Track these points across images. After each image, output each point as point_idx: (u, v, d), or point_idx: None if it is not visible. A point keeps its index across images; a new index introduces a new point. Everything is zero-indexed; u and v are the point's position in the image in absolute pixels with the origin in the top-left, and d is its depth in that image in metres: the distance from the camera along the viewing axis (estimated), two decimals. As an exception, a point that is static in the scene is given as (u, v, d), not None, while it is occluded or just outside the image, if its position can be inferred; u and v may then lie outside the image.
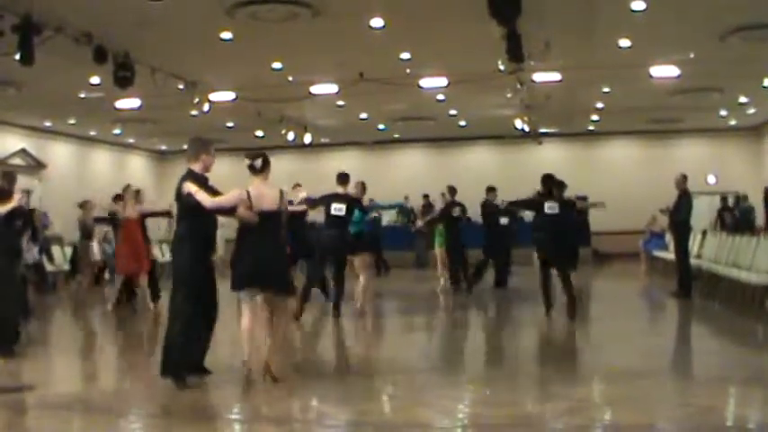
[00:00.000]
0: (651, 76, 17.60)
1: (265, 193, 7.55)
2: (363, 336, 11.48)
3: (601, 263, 24.57)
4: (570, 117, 24.36)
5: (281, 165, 29.54)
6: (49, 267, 17.95)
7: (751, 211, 23.86)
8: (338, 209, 11.80)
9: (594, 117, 24.77)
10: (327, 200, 11.91)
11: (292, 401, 7.21)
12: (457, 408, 6.80)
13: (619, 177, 27.17)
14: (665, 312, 13.60)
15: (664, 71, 17.29)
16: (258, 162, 7.70)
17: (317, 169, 28.25)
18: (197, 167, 7.65)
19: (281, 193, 7.71)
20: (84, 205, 16.28)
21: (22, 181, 17.72)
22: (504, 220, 16.60)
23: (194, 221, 7.43)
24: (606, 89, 19.90)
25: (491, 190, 16.88)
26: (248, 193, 7.46)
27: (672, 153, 27.23)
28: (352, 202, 12.03)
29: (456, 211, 16.07)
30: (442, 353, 9.90)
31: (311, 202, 11.90)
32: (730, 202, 24.37)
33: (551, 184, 12.41)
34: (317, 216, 13.65)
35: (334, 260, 12.16)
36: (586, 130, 27.58)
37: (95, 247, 17.73)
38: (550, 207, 12.16)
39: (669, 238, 18.46)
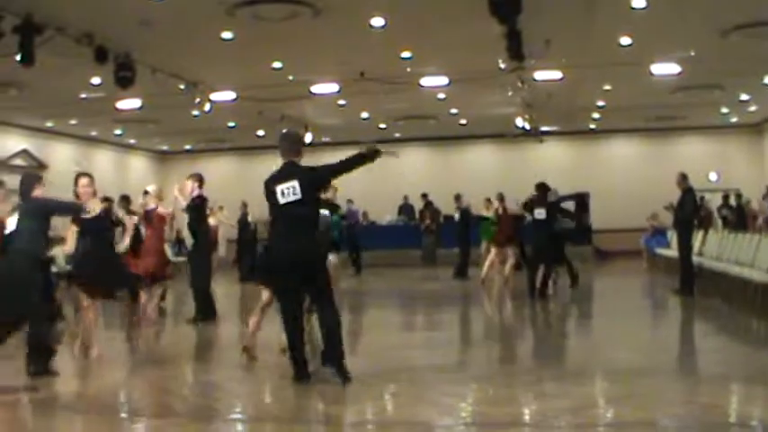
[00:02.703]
0: (652, 74, 17.59)
1: None
2: (365, 334, 11.50)
3: (602, 260, 24.55)
4: (571, 115, 24.35)
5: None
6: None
7: (746, 204, 23.82)
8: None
9: (596, 115, 24.77)
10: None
11: (293, 401, 7.21)
12: (459, 406, 6.79)
13: (620, 175, 27.18)
14: (667, 310, 13.59)
15: (665, 69, 17.28)
16: None
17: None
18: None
19: None
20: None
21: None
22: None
23: None
24: (607, 87, 19.90)
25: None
26: None
27: (673, 151, 27.22)
28: (334, 208, 11.91)
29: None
30: (445, 350, 9.89)
31: None
32: (732, 199, 24.35)
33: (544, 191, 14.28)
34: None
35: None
36: (588, 129, 27.57)
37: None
38: (539, 213, 14.08)
39: (671, 235, 18.46)
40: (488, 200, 18.92)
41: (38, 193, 8.05)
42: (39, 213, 7.86)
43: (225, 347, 10.59)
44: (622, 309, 13.54)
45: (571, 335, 11.28)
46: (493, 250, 17.52)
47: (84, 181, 9.19)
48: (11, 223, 7.93)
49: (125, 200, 13.43)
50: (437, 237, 24.46)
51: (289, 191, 7.49)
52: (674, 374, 7.88)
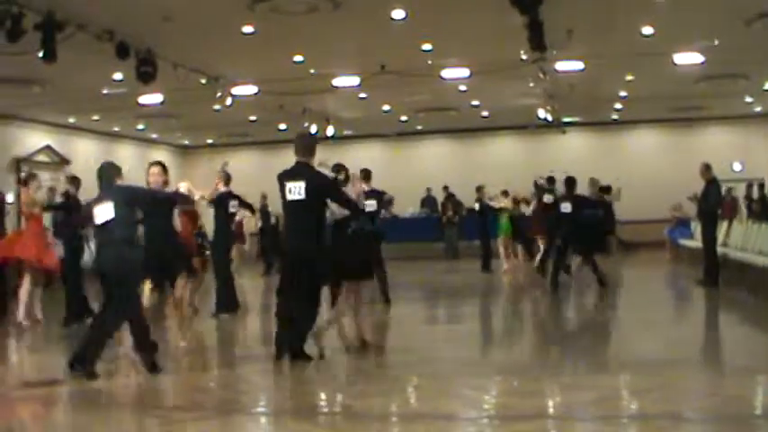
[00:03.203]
0: (675, 64, 17.45)
1: None
2: (388, 327, 11.52)
3: (626, 252, 24.43)
4: (594, 106, 24.19)
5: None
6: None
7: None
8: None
9: (618, 106, 24.60)
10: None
11: (317, 394, 7.25)
12: (482, 398, 6.80)
13: (643, 166, 26.96)
14: (692, 301, 13.54)
15: (688, 58, 17.12)
16: (342, 176, 8.86)
17: (340, 161, 28.27)
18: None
19: None
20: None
21: (46, 177, 17.92)
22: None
23: None
24: (629, 77, 19.75)
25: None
26: None
27: (697, 141, 27.00)
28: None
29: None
30: (468, 343, 9.90)
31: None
32: (755, 189, 24.15)
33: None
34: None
35: None
36: (610, 119, 27.39)
37: None
38: (564, 206, 14.37)
39: (695, 226, 18.35)
40: (505, 192, 18.96)
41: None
42: (137, 202, 8.14)
43: (244, 340, 10.67)
44: (646, 300, 13.48)
45: (595, 326, 11.24)
46: (541, 244, 17.47)
47: (154, 170, 9.20)
48: (100, 213, 7.81)
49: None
50: (459, 229, 24.44)
51: (295, 189, 8.02)
52: (698, 366, 7.86)
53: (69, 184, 12.62)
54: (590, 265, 14.56)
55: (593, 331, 10.83)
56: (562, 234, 14.71)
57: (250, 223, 20.15)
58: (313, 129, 23.19)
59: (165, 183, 9.22)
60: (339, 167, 8.94)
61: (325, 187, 8.26)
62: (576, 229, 14.43)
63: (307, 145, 8.40)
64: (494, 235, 19.19)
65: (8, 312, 12.53)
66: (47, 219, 12.82)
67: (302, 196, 8.01)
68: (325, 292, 8.80)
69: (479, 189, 19.84)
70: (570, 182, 14.86)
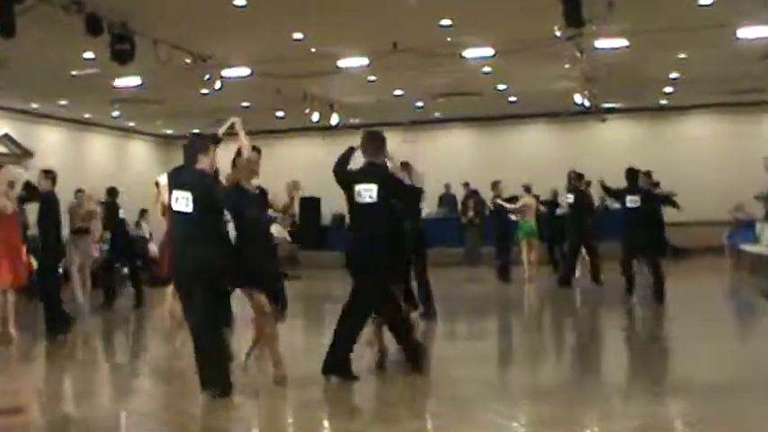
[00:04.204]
0: (737, 39, 17.36)
1: None
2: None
3: (678, 258, 24.33)
4: (639, 89, 24.15)
5: (305, 149, 29.94)
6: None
7: None
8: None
9: (668, 89, 24.54)
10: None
11: (323, 421, 7.26)
12: (510, 426, 6.79)
13: (697, 159, 26.88)
14: (756, 316, 13.49)
15: (753, 32, 17.01)
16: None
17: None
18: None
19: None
20: None
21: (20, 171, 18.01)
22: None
23: None
24: (682, 55, 19.66)
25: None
26: None
27: (761, 130, 26.92)
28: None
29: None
30: (493, 362, 9.90)
31: None
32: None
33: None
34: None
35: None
36: (658, 105, 27.35)
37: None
38: (632, 201, 14.35)
39: (761, 228, 18.30)
40: (527, 188, 18.97)
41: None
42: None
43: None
44: (703, 314, 13.43)
45: (642, 345, 11.24)
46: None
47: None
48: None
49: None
50: (481, 232, 24.20)
51: (366, 192, 8.56)
52: (761, 393, 7.81)
53: (43, 179, 12.61)
54: (654, 270, 14.52)
55: (639, 350, 10.81)
56: (624, 234, 14.72)
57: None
58: (315, 117, 23.26)
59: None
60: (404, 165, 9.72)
61: (399, 190, 8.97)
62: (643, 229, 14.35)
63: (377, 144, 8.89)
64: (513, 238, 19.26)
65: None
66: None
67: (374, 200, 8.52)
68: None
69: (495, 185, 19.82)
70: (633, 174, 14.83)
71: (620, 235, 14.81)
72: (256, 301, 8.28)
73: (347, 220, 9.50)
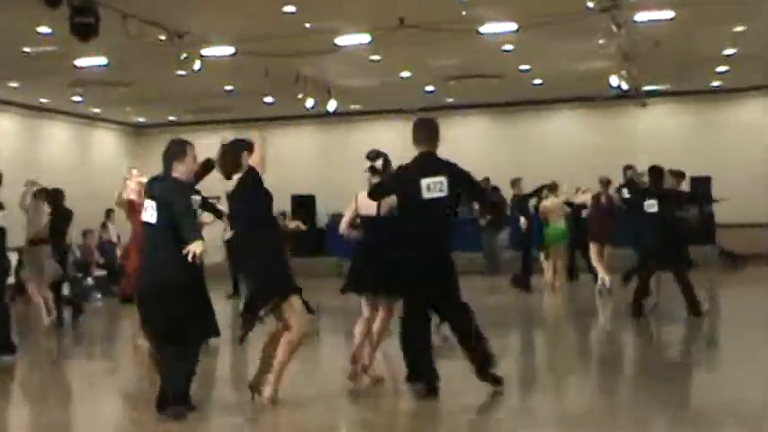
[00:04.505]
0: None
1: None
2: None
3: (730, 265, 24.36)
4: (686, 69, 24.14)
5: (298, 140, 30.02)
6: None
7: None
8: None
9: (721, 68, 24.50)
10: None
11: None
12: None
13: (755, 151, 26.87)
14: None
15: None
16: (379, 163, 9.52)
17: (345, 145, 28.37)
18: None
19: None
20: None
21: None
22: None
23: None
24: (739, 28, 19.59)
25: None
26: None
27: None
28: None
29: None
30: (518, 385, 9.96)
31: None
32: None
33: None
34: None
35: None
36: (709, 87, 27.33)
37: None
38: (649, 205, 14.39)
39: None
40: (552, 186, 19.11)
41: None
42: None
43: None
44: (756, 331, 13.46)
45: (687, 367, 11.30)
46: (593, 249, 18.06)
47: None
48: None
49: None
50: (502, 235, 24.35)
51: (436, 186, 8.87)
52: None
53: None
54: (682, 284, 14.57)
55: (683, 372, 10.87)
56: (646, 242, 14.79)
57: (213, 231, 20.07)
58: (309, 103, 23.30)
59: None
60: (377, 154, 9.66)
61: (468, 182, 9.23)
62: (664, 237, 14.42)
63: (433, 132, 9.26)
64: (536, 243, 19.41)
65: None
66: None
67: (444, 193, 8.87)
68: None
69: (515, 183, 19.97)
70: (656, 172, 14.89)
71: (637, 245, 14.92)
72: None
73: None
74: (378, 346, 9.79)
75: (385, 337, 9.82)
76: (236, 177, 8.48)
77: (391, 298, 9.43)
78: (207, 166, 9.11)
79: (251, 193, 8.43)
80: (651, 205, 14.54)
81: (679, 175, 16.65)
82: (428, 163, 9.02)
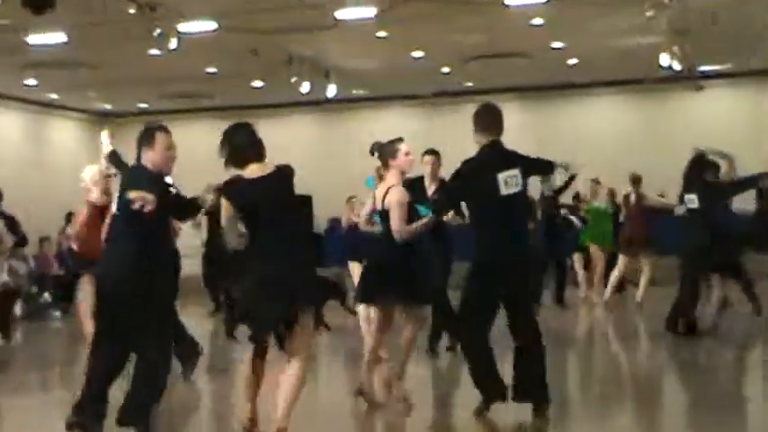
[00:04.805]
0: None
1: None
2: (436, 386, 11.63)
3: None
4: (747, 48, 24.14)
5: (292, 131, 29.98)
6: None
7: None
8: None
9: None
10: None
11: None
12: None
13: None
14: None
15: None
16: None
17: (345, 136, 28.37)
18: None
19: None
20: None
21: None
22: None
23: None
24: (810, 0, 19.66)
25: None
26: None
27: None
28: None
29: None
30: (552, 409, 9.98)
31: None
32: None
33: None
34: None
35: None
36: (774, 68, 27.39)
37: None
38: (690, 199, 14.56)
39: None
40: (596, 181, 19.07)
41: None
42: None
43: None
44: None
45: (744, 391, 11.34)
46: (621, 260, 18.36)
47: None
48: None
49: None
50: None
51: (512, 180, 9.08)
52: None
53: None
54: (744, 285, 14.51)
55: (730, 390, 10.99)
56: (689, 243, 14.74)
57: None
58: (304, 87, 23.25)
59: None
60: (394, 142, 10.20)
61: (539, 163, 9.83)
62: (713, 237, 14.34)
63: (499, 118, 9.74)
64: (568, 249, 19.49)
65: None
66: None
67: (520, 187, 9.11)
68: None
69: (544, 181, 19.89)
70: (697, 164, 14.80)
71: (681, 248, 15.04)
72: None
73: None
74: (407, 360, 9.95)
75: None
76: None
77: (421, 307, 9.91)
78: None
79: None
80: (691, 200, 14.50)
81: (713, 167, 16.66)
82: (501, 155, 9.27)
